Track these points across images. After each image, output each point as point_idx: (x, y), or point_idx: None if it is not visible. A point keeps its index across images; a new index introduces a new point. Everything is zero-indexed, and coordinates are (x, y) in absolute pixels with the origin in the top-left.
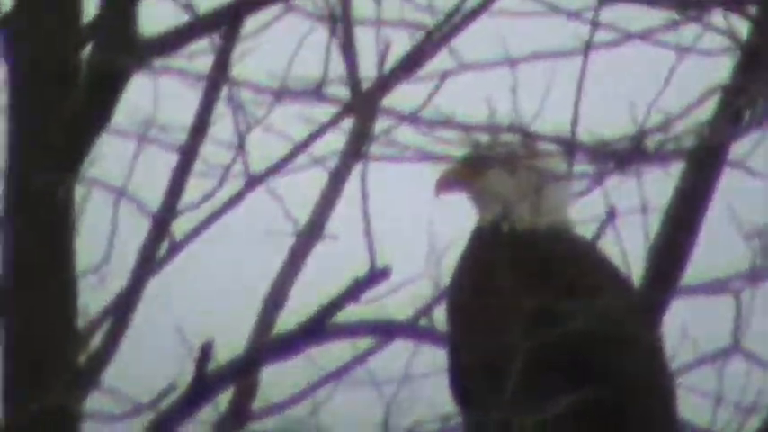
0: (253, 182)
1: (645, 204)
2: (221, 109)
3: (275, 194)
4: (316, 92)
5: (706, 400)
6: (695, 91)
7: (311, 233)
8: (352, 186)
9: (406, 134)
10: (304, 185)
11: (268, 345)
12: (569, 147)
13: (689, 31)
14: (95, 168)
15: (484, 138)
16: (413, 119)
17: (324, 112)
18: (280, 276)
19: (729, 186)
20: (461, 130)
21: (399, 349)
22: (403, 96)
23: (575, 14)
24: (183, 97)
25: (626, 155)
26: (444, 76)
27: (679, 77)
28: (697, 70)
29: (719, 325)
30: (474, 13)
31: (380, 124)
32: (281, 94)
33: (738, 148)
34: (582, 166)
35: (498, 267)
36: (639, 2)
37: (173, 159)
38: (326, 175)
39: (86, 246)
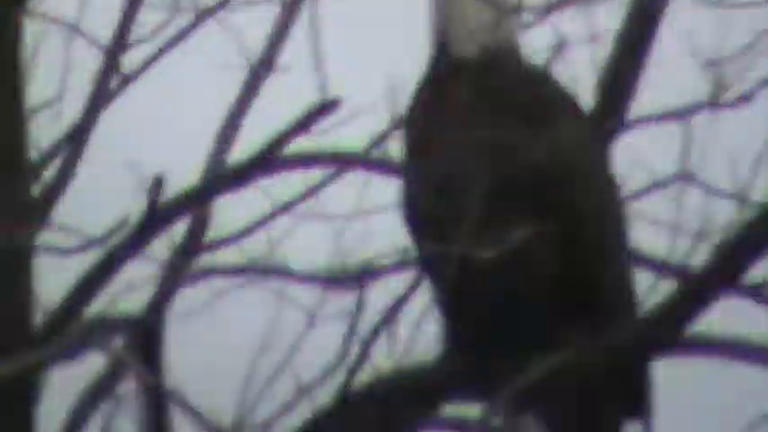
0: (204, 14)
1: (594, 35)
2: None
3: (227, 27)
4: None
5: (657, 227)
6: None
7: (263, 65)
8: (307, 19)
9: None
10: (257, 18)
11: (220, 176)
12: None
13: None
14: (46, 3)
15: None
16: None
17: None
18: (232, 109)
19: (685, 18)
20: None
21: (353, 182)
22: None
23: None
24: None
25: None
26: None
27: None
28: None
29: (674, 153)
30: None
31: None
32: None
33: None
34: None
35: (455, 95)
36: None
37: None
38: (279, 6)
39: (39, 81)
